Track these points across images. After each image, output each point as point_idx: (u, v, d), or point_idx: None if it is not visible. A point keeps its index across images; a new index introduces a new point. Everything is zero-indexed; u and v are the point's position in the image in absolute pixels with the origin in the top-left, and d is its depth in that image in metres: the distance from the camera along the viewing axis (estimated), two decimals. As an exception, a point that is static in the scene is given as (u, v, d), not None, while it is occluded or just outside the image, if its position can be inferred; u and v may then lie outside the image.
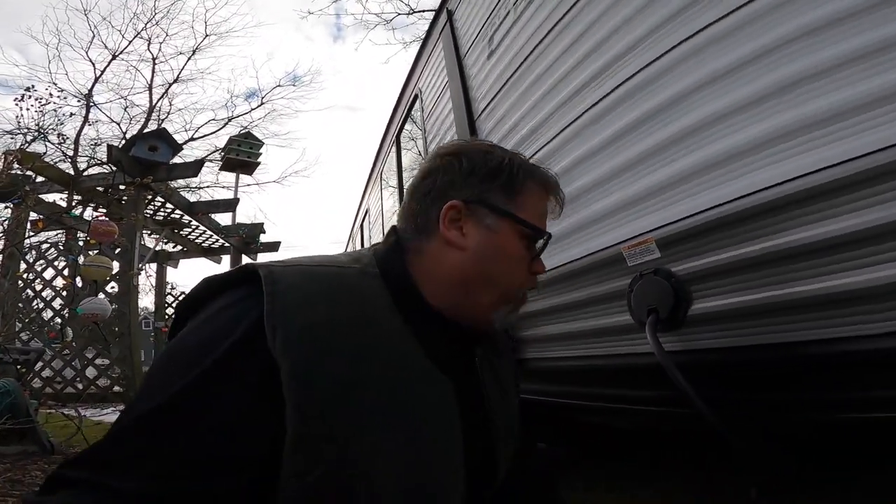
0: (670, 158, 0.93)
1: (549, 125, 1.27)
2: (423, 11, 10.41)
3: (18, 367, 3.63)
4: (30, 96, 4.40)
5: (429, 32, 2.53)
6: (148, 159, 3.69)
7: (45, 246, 4.28)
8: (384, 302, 0.57)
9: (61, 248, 3.93)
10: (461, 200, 0.63)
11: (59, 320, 4.08)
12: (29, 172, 3.68)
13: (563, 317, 1.30)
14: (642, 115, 0.99)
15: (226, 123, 12.42)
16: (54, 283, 4.16)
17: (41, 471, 3.28)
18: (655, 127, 0.96)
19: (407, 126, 2.98)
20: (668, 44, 0.93)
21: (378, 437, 0.49)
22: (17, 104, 4.29)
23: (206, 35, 11.92)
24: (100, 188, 3.86)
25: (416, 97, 2.72)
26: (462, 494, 0.55)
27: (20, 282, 4.03)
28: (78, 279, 3.78)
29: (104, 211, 3.48)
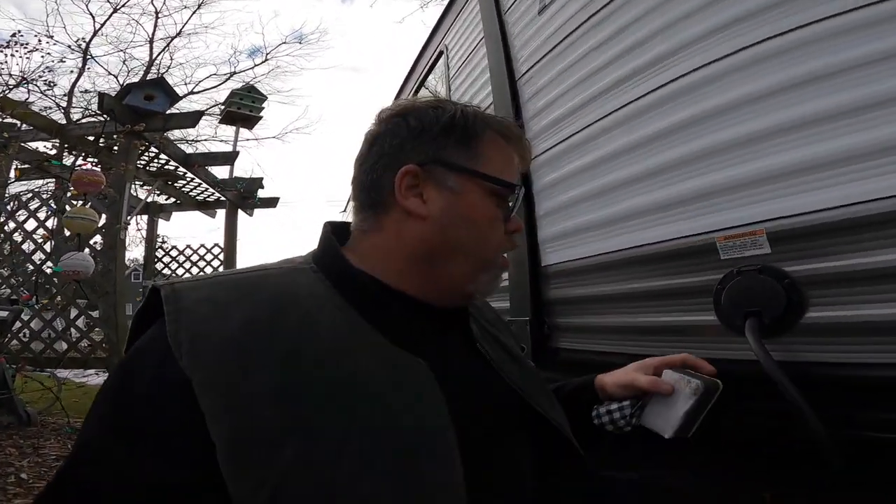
0: (801, 141, 0.76)
1: (631, 86, 1.09)
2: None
3: (-6, 328, 3.42)
4: (16, 42, 4.10)
5: (462, -17, 2.29)
6: (143, 108, 3.41)
7: (25, 196, 4.02)
8: (322, 294, 0.54)
9: (44, 197, 3.68)
10: (416, 163, 0.58)
11: (35, 278, 3.84)
12: (11, 120, 3.41)
13: (617, 308, 1.17)
14: (772, 87, 0.81)
15: (228, 78, 12.20)
16: (35, 236, 3.93)
17: (16, 447, 3.19)
18: (785, 103, 0.79)
19: (428, 85, 2.76)
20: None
21: (326, 441, 0.44)
22: (0, 50, 4.01)
23: (214, -14, 11.38)
24: (89, 137, 3.60)
25: (440, 54, 2.50)
26: (457, 484, 0.48)
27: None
28: (66, 231, 3.56)
29: (94, 161, 3.24)
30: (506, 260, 0.64)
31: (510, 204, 0.61)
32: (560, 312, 1.39)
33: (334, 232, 0.63)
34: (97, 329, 3.94)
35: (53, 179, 4.29)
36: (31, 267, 3.88)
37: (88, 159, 3.70)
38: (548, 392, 0.72)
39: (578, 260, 1.26)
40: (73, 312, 4.01)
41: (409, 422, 0.48)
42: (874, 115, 0.70)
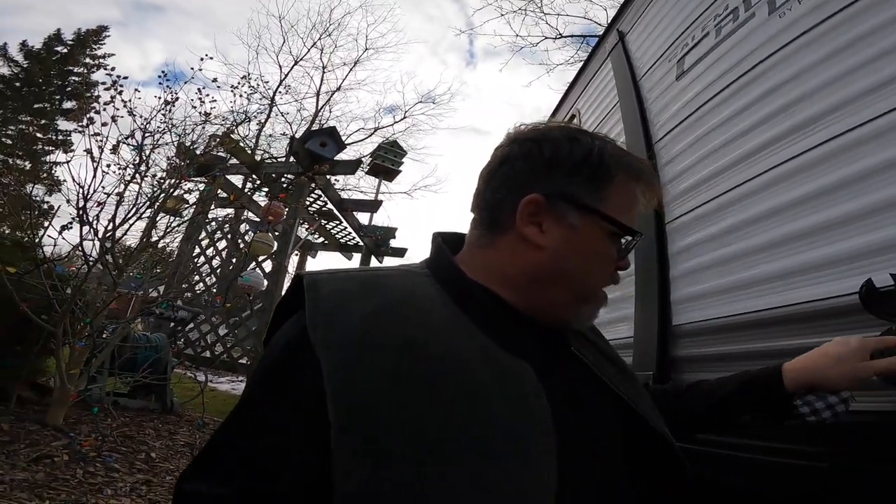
0: None
1: (767, 154, 1.13)
2: (571, 36, 11.42)
3: (173, 324, 4.13)
4: (244, 84, 5.29)
5: (593, 52, 2.48)
6: (318, 153, 4.07)
7: (217, 220, 5.00)
8: (433, 296, 0.56)
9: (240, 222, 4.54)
10: (542, 194, 0.58)
11: (214, 289, 4.67)
12: (223, 154, 4.36)
13: (745, 366, 1.15)
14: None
15: (372, 132, 13.75)
16: (223, 253, 4.84)
17: (154, 430, 3.66)
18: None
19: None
20: None
21: (424, 432, 0.45)
22: (232, 90, 5.21)
23: (366, 48, 13.40)
24: (273, 175, 4.47)
25: (572, 117, 2.67)
26: (546, 491, 0.48)
27: (197, 248, 4.76)
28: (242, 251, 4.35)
29: (282, 194, 3.99)
30: (605, 295, 0.64)
31: (624, 245, 0.61)
32: (686, 369, 1.38)
33: (445, 242, 0.65)
34: (249, 339, 4.59)
35: (232, 209, 5.28)
36: (201, 281, 4.70)
37: (271, 194, 4.54)
38: (647, 397, 0.70)
39: (709, 320, 1.26)
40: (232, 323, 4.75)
41: (507, 423, 0.49)
42: None
